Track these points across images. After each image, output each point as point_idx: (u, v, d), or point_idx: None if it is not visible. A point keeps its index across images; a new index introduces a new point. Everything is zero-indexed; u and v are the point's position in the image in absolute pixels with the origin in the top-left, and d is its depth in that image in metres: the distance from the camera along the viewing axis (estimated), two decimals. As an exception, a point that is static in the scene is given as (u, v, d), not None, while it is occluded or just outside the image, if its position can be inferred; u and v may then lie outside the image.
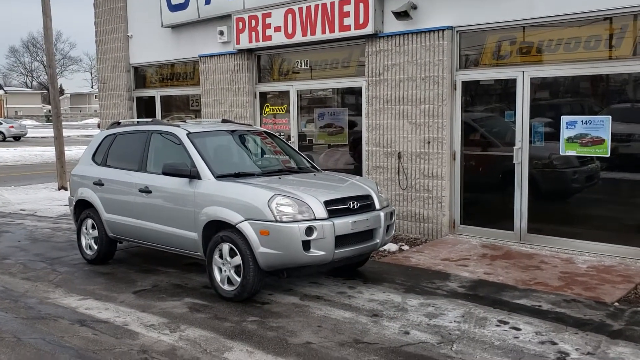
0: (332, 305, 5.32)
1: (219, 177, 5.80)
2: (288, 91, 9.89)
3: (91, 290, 6.02)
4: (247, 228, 5.27)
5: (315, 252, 5.20)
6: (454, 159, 8.04)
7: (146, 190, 6.31)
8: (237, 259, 5.39)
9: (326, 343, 4.45)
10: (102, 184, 6.94)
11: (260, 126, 9.99)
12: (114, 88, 13.02)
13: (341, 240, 5.37)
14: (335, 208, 5.43)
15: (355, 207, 5.57)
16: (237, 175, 5.90)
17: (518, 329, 4.68)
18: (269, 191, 5.34)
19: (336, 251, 5.31)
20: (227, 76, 10.55)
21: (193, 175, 5.83)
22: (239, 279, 5.40)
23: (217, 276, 5.60)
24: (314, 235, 5.16)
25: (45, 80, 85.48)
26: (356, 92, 9.10)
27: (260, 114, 10.39)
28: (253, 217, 5.26)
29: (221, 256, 5.55)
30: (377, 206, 5.82)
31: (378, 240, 5.75)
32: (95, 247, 7.09)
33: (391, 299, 5.44)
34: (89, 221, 7.17)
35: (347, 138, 9.30)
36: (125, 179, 6.64)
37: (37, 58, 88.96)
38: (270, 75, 10.32)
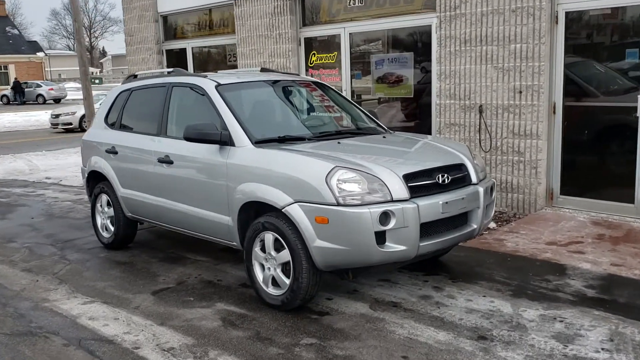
0: (416, 318, 3.86)
1: (258, 142, 4.34)
2: (339, 35, 8.27)
3: (101, 288, 4.74)
4: (297, 213, 3.82)
5: (393, 247, 3.71)
6: (554, 112, 6.35)
7: (167, 161, 4.93)
8: (285, 255, 3.97)
9: (419, 389, 3.02)
10: (116, 152, 5.60)
11: (307, 78, 8.44)
12: (142, 41, 11.63)
13: (428, 228, 3.87)
14: (419, 184, 3.90)
15: (446, 181, 4.03)
16: (282, 140, 4.42)
17: None
18: (327, 162, 3.85)
19: (421, 244, 3.81)
20: (267, 20, 8.97)
21: (224, 140, 4.39)
22: (287, 281, 3.99)
23: (259, 275, 4.21)
24: (392, 224, 3.67)
25: (87, 43, 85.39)
26: (424, 32, 7.41)
27: (306, 64, 8.83)
28: (305, 198, 3.80)
29: (263, 249, 4.14)
30: (474, 179, 4.26)
31: (475, 226, 4.21)
32: (112, 228, 5.81)
33: (498, 309, 3.95)
34: (104, 197, 5.88)
35: (412, 90, 7.66)
36: (142, 145, 5.27)
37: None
38: (317, 17, 8.69)
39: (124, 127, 5.69)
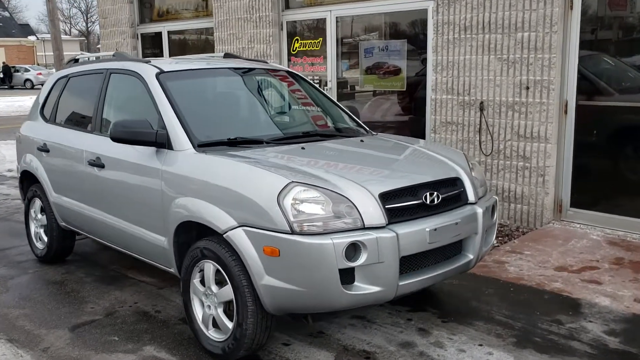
0: (392, 378, 3.01)
1: (202, 145, 3.46)
2: (324, 19, 7.37)
3: (13, 319, 3.88)
4: (241, 240, 2.95)
5: (364, 288, 2.85)
6: (565, 112, 5.48)
7: (98, 164, 4.05)
8: (228, 292, 3.10)
9: None
10: (48, 150, 4.72)
11: (289, 67, 7.55)
12: (116, 23, 10.70)
13: (410, 262, 3.01)
14: (400, 206, 3.03)
15: (435, 201, 3.16)
16: (232, 144, 3.54)
17: None
18: (281, 176, 2.97)
19: (401, 284, 2.95)
20: (246, 2, 8.06)
21: (160, 142, 3.51)
22: (230, 325, 3.14)
23: (198, 313, 3.35)
24: (362, 259, 2.81)
25: (83, 27, 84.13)
26: (419, 17, 6.51)
27: (288, 51, 7.93)
28: (252, 221, 2.93)
29: (203, 282, 3.29)
30: (471, 197, 3.39)
31: (472, 257, 3.35)
32: (46, 238, 4.95)
33: (497, 366, 3.10)
34: (37, 202, 5.02)
35: (404, 82, 6.78)
36: (73, 144, 4.39)
37: (75, 4, 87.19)
38: (301, -1, 7.79)
39: (58, 121, 4.81)
